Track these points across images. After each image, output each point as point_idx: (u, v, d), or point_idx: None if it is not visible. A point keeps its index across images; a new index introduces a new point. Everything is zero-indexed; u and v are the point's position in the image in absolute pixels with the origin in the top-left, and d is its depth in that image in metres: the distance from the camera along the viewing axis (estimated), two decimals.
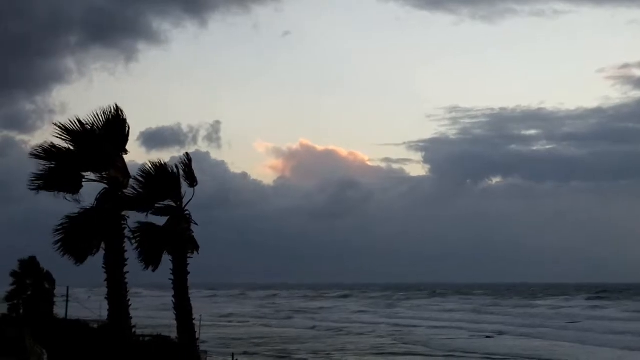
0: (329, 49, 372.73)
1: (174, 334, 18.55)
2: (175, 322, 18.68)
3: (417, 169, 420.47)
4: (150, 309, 65.29)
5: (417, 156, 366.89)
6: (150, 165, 18.98)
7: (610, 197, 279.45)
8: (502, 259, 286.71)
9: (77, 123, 18.02)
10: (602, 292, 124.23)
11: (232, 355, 21.06)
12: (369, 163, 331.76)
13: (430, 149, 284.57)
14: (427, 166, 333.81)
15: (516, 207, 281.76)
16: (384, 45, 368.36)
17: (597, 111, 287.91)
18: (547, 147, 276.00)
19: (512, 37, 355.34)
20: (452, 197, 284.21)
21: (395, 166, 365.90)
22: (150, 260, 19.32)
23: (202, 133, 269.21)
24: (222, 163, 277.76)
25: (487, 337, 46.27)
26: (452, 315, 70.33)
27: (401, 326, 56.88)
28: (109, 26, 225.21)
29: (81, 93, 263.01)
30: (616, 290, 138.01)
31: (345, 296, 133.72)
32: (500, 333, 48.67)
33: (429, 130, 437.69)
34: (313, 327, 55.95)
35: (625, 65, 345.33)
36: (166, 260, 19.34)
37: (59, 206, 18.31)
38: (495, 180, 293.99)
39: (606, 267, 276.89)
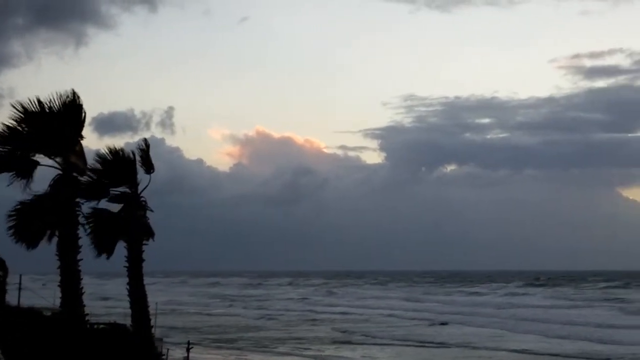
0: (285, 35, 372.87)
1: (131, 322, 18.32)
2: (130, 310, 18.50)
3: (373, 157, 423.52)
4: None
5: (373, 144, 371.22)
6: (106, 151, 18.65)
7: (561, 185, 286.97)
8: (456, 246, 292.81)
9: (36, 103, 17.60)
10: (548, 280, 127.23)
11: (188, 342, 20.83)
12: (325, 150, 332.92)
13: (386, 136, 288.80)
14: (383, 154, 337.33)
15: (470, 194, 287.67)
16: (340, 33, 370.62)
17: (549, 100, 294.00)
18: (501, 135, 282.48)
19: (467, 26, 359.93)
20: (407, 185, 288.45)
21: (351, 154, 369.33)
22: (104, 247, 19.04)
23: (156, 119, 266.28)
24: (177, 149, 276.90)
25: (432, 325, 46.71)
26: (394, 303, 70.79)
27: (339, 314, 57.00)
28: (58, 9, 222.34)
29: (30, 77, 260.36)
30: (563, 277, 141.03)
31: (290, 283, 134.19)
32: (444, 323, 49.03)
33: (384, 118, 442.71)
34: (257, 316, 55.68)
35: (576, 56, 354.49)
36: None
37: (12, 192, 17.95)
38: (450, 168, 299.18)
39: (557, 254, 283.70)
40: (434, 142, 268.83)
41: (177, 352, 23.79)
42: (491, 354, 29.75)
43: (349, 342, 34.81)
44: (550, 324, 43.77)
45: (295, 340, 35.87)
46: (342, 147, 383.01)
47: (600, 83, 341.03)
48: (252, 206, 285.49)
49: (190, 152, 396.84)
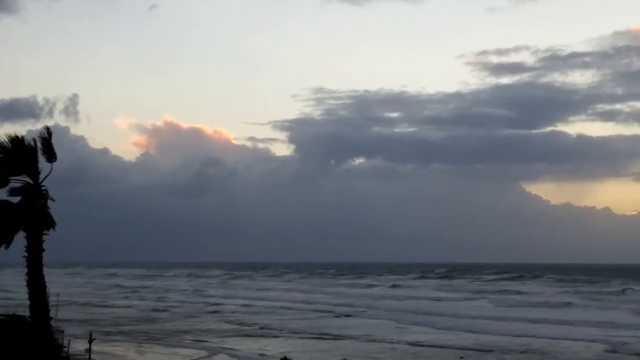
0: (195, 25, 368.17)
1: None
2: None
3: (282, 149, 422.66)
4: None
5: (283, 136, 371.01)
6: (6, 139, 18.41)
7: (467, 179, 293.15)
8: (363, 238, 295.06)
9: None
10: (448, 272, 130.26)
11: (90, 334, 20.66)
12: (234, 142, 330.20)
13: (296, 128, 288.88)
14: (292, 146, 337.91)
15: (378, 187, 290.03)
16: (251, 24, 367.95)
17: (456, 96, 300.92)
18: (409, 129, 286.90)
19: (378, 20, 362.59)
20: (316, 177, 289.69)
21: (260, 145, 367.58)
22: (3, 237, 18.77)
23: (59, 106, 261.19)
24: (82, 138, 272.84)
25: (325, 317, 47.33)
26: (292, 295, 71.27)
27: (237, 305, 57.15)
28: None
29: None
30: (463, 269, 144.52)
31: (189, 275, 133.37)
32: (339, 315, 49.58)
33: (294, 111, 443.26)
34: (149, 307, 55.26)
35: (483, 52, 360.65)
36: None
37: None
38: (359, 161, 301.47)
39: (462, 246, 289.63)
40: (343, 135, 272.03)
41: (78, 344, 23.58)
42: (385, 346, 30.29)
43: (248, 335, 34.96)
44: (439, 317, 44.96)
45: (193, 333, 35.94)
46: (252, 139, 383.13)
47: (506, 80, 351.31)
48: (159, 196, 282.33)
49: (96, 141, 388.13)
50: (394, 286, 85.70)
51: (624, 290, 68.17)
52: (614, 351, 28.64)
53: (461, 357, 26.76)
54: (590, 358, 26.98)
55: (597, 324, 39.35)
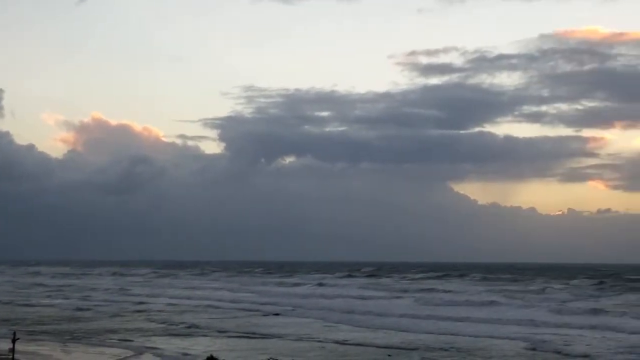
0: (124, 21, 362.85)
1: None
2: None
3: (213, 147, 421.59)
4: None
5: (213, 134, 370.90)
6: None
7: (396, 179, 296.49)
8: (291, 236, 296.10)
9: None
10: (376, 270, 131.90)
11: (14, 333, 20.31)
12: (163, 139, 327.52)
13: (226, 126, 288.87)
14: (223, 144, 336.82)
15: (309, 186, 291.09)
16: (182, 20, 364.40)
17: (386, 96, 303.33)
18: (340, 129, 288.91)
19: (309, 19, 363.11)
20: (246, 176, 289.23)
21: (190, 143, 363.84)
22: None
23: None
24: (7, 134, 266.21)
25: (255, 315, 47.51)
26: (220, 294, 71.24)
27: (163, 304, 56.87)
28: None
29: None
30: (390, 268, 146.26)
31: (115, 273, 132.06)
32: (275, 314, 49.78)
33: (224, 108, 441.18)
34: (76, 307, 54.56)
35: (413, 53, 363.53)
36: None
37: None
38: (289, 159, 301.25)
39: (390, 245, 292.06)
40: (273, 133, 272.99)
41: (1, 344, 23.21)
42: (314, 344, 30.60)
43: (175, 334, 34.88)
44: (365, 315, 45.51)
45: (118, 332, 35.68)
46: (181, 136, 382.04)
47: (435, 80, 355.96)
48: (86, 194, 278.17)
49: (21, 137, 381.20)
50: (320, 285, 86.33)
51: (544, 289, 69.99)
52: (533, 349, 29.48)
53: (389, 355, 27.07)
54: (511, 355, 27.71)
55: (518, 322, 40.49)
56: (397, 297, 62.62)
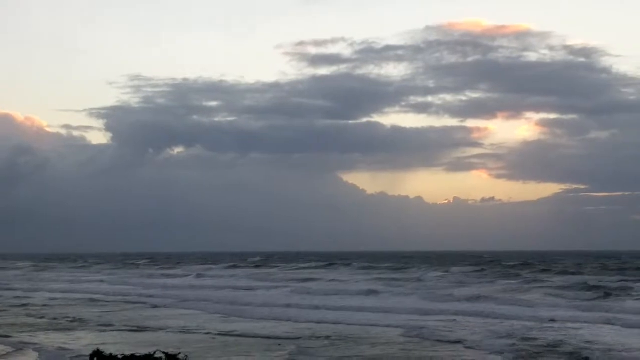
0: (4, 4, 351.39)
1: None
2: None
3: (99, 137, 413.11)
4: None
5: (99, 124, 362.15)
6: None
7: (286, 169, 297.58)
8: (180, 227, 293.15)
9: None
10: (262, 261, 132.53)
11: None
12: (47, 129, 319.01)
13: (113, 116, 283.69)
14: (109, 134, 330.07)
15: (198, 177, 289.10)
16: (64, 6, 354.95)
17: (275, 86, 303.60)
18: (229, 119, 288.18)
19: (197, 8, 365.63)
20: (134, 167, 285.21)
21: (75, 133, 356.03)
22: None
23: None
24: None
25: (149, 307, 47.39)
26: (101, 286, 70.47)
27: (44, 298, 55.95)
28: None
29: None
30: (279, 258, 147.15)
31: None
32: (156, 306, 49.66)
33: (111, 98, 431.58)
34: None
35: (301, 43, 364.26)
36: None
37: None
38: (178, 150, 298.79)
39: (279, 235, 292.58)
40: (161, 123, 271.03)
41: None
42: (201, 337, 30.86)
43: (58, 329, 34.47)
44: (251, 306, 46.04)
45: None
46: (66, 127, 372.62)
47: (324, 71, 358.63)
48: None
49: None
50: (199, 276, 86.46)
51: (423, 277, 71.99)
52: (409, 335, 30.61)
53: (279, 345, 27.66)
54: (389, 342, 28.76)
55: (398, 310, 41.89)
56: (282, 287, 63.32)
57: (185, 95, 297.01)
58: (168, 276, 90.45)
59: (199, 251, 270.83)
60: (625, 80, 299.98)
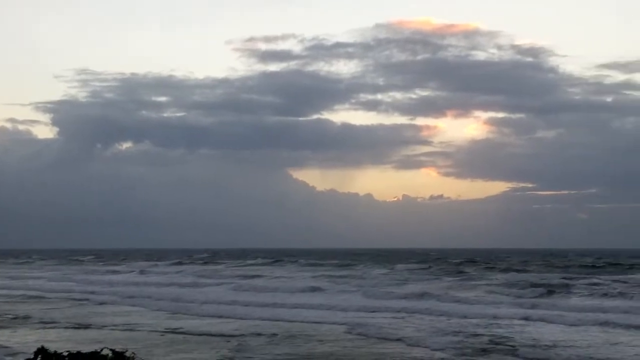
0: None
1: None
2: None
3: (45, 132, 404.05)
4: None
5: (46, 118, 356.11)
6: None
7: (235, 165, 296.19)
8: (127, 223, 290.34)
9: None
10: (209, 257, 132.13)
11: None
12: None
13: (60, 110, 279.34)
14: (56, 129, 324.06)
15: (146, 172, 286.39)
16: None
17: (225, 82, 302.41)
18: (178, 114, 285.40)
19: (146, 1, 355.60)
20: (81, 162, 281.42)
21: (21, 127, 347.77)
22: None
23: None
24: None
25: (94, 304, 47.09)
26: (41, 283, 69.68)
27: None
28: None
29: None
30: (226, 255, 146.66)
31: None
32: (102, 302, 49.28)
33: (57, 92, 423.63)
34: None
35: (251, 39, 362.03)
36: None
37: None
38: (126, 145, 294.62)
39: (229, 232, 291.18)
40: (109, 118, 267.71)
41: None
42: (149, 334, 30.77)
43: (2, 326, 33.99)
44: (196, 303, 45.89)
45: None
46: (11, 120, 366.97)
47: (274, 67, 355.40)
48: None
49: None
50: (149, 272, 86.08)
51: (367, 274, 72.49)
52: (352, 333, 30.83)
53: (227, 342, 27.81)
54: (332, 339, 28.92)
55: (341, 307, 42.15)
56: (227, 284, 63.16)
57: (134, 90, 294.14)
58: (113, 272, 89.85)
59: (147, 248, 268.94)
60: (571, 80, 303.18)
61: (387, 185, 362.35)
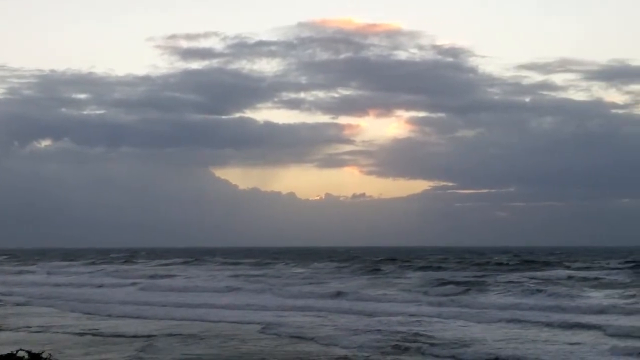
0: None
1: None
2: None
3: None
4: None
5: None
6: None
7: (157, 163, 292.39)
8: (45, 223, 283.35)
9: None
10: (129, 257, 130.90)
11: None
12: None
13: None
14: None
15: (66, 171, 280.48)
16: None
17: (146, 79, 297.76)
18: (98, 112, 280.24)
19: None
20: None
21: None
22: None
23: None
24: None
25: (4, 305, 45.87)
26: None
27: None
28: None
29: None
30: (144, 255, 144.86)
31: None
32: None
33: None
34: None
35: (173, 36, 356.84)
36: None
37: None
38: (45, 143, 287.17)
39: (149, 231, 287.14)
40: (27, 115, 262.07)
41: None
42: (65, 336, 30.05)
43: None
44: (112, 304, 45.30)
45: None
46: None
47: (196, 65, 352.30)
48: None
49: None
50: (59, 273, 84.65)
51: (276, 274, 72.24)
52: (267, 332, 30.73)
53: (146, 342, 27.38)
54: (245, 339, 28.77)
55: (256, 306, 41.99)
56: (140, 284, 62.27)
57: (53, 87, 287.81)
58: (26, 272, 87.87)
59: (65, 247, 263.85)
60: (490, 80, 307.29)
61: (310, 184, 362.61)
